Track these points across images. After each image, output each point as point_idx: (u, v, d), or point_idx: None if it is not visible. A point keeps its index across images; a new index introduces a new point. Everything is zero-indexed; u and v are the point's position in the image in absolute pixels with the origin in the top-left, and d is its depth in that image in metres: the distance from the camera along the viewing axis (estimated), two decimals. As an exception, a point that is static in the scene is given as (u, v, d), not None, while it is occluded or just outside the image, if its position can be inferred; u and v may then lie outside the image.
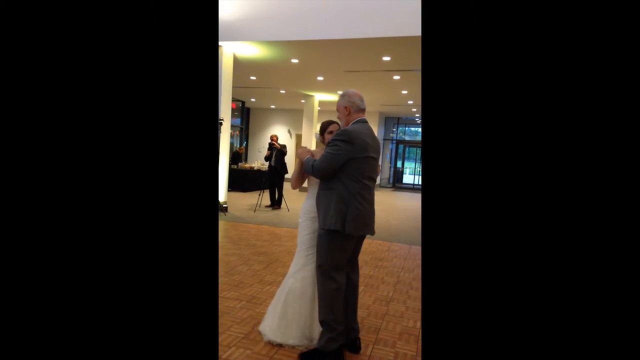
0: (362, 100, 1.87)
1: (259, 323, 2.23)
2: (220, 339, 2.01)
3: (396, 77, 6.92)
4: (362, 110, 1.87)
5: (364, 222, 1.79)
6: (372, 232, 1.89)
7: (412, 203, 9.20)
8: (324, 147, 1.90)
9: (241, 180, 8.94)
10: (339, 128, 1.94)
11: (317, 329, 1.88)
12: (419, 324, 2.35)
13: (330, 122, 2.06)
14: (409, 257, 4.02)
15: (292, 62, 6.27)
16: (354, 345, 1.94)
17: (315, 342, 1.88)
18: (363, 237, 1.93)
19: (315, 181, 1.94)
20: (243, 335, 2.07)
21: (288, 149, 7.77)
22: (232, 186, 8.17)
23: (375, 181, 1.90)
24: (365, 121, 1.86)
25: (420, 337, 2.19)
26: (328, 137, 1.94)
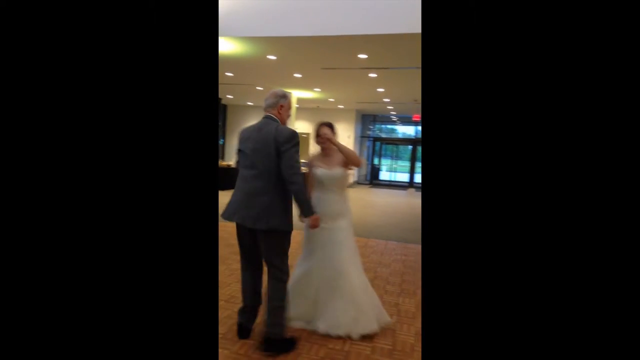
0: (266, 99, 1.98)
1: (236, 323, 2.22)
2: (197, 339, 1.98)
3: (372, 75, 6.99)
4: (266, 108, 1.98)
5: (232, 209, 1.90)
6: (245, 223, 1.81)
7: (389, 199, 9.36)
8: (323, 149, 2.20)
9: (219, 178, 8.79)
10: (327, 129, 2.17)
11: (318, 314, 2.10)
12: (395, 318, 2.41)
13: (320, 124, 2.22)
14: (385, 253, 4.09)
15: (268, 59, 6.22)
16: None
17: (314, 325, 2.11)
18: (257, 231, 1.84)
19: (318, 185, 2.19)
20: (221, 335, 2.05)
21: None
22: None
23: (258, 169, 1.83)
24: (265, 116, 1.95)
25: (395, 332, 2.24)
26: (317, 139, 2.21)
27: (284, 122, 1.94)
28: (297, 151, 1.82)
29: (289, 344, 1.93)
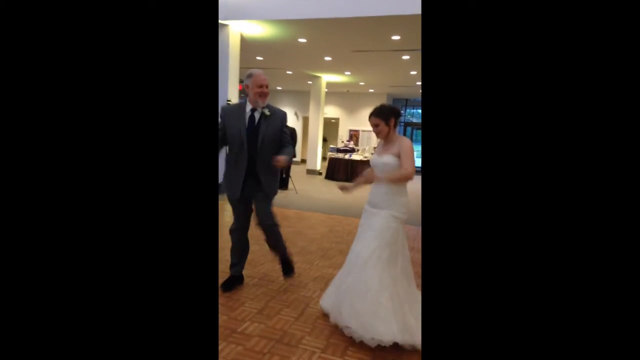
0: None
1: (272, 299, 2.30)
2: (234, 314, 2.08)
3: (405, 57, 6.78)
4: None
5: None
6: (231, 196, 2.24)
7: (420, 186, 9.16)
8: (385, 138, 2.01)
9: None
10: (374, 119, 1.99)
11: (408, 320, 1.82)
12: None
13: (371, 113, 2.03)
14: (418, 239, 4.05)
15: (299, 42, 6.17)
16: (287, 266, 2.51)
17: (408, 337, 1.80)
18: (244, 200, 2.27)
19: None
20: (257, 311, 2.13)
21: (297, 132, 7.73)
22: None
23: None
24: None
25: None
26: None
27: (251, 101, 2.17)
28: None
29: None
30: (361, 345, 1.81)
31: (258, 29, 5.62)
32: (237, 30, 5.59)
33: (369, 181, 2.07)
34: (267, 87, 2.15)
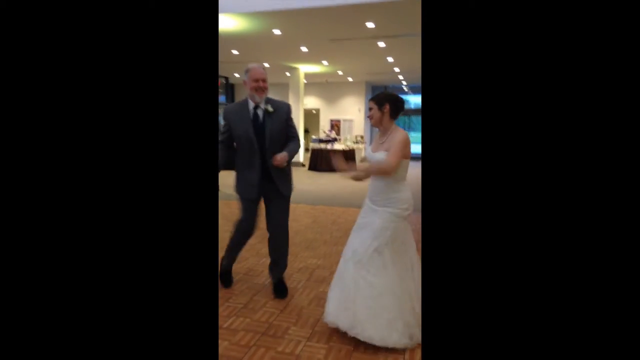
0: None
1: (256, 293, 2.32)
2: (220, 310, 2.09)
3: (381, 45, 6.80)
4: None
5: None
6: (247, 195, 2.23)
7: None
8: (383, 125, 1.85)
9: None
10: (371, 103, 1.90)
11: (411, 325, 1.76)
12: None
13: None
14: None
15: (274, 33, 6.10)
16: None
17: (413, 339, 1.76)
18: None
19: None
20: (242, 305, 2.15)
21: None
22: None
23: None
24: None
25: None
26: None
27: (250, 97, 2.11)
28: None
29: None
30: (345, 332, 1.85)
31: (231, 22, 5.52)
32: (209, 23, 5.47)
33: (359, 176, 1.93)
34: (263, 81, 2.04)
